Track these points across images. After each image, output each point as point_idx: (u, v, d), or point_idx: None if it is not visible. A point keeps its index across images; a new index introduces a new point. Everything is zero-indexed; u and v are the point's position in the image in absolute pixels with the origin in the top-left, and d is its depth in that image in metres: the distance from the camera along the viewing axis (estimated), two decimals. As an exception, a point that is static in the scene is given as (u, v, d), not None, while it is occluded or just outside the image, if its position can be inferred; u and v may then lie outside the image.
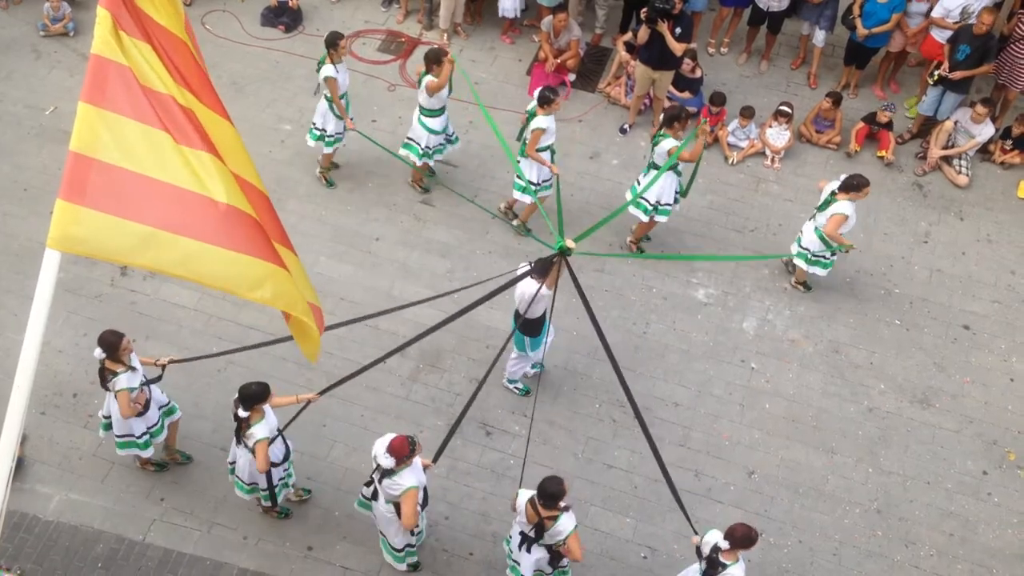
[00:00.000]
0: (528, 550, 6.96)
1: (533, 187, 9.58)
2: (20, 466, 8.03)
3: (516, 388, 9.01)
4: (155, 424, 7.72)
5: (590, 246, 9.73)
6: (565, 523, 6.69)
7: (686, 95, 11.56)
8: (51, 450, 8.34)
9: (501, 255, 9.91)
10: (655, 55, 10.80)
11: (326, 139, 10.13)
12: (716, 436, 8.92)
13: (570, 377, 9.03)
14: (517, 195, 9.87)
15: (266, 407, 7.09)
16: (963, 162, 11.22)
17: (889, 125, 11.34)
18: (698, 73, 11.54)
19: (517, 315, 8.12)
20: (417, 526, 7.19)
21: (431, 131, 9.93)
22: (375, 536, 7.99)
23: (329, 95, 9.74)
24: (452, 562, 8.01)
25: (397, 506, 6.89)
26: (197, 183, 4.24)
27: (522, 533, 6.93)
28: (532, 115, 9.34)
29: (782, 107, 11.19)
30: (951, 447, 9.01)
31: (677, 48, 10.65)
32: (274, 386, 7.17)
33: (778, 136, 11.25)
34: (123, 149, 4.11)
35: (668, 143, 9.16)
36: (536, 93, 9.38)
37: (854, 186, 9.05)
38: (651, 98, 11.48)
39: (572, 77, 11.99)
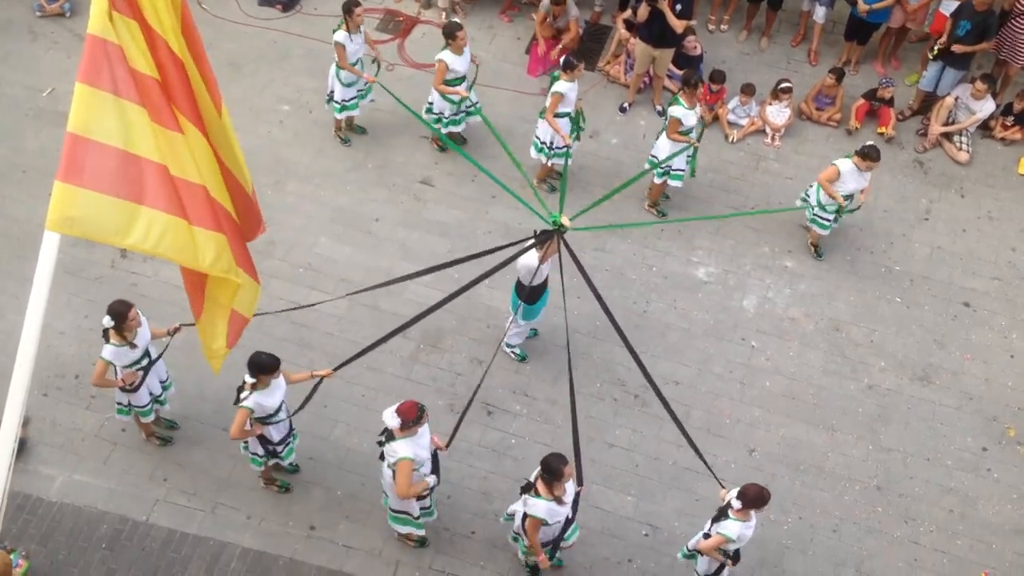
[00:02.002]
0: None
1: (547, 149, 9.90)
2: (23, 448, 8.06)
3: (513, 353, 9.08)
4: (146, 404, 7.76)
5: (591, 223, 9.74)
6: (532, 505, 6.79)
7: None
8: (54, 431, 8.37)
9: (501, 234, 9.89)
10: (655, 33, 10.74)
11: (333, 104, 10.29)
12: (717, 414, 8.94)
13: (562, 357, 9.02)
14: (534, 155, 10.16)
15: (276, 381, 7.09)
16: (964, 139, 11.19)
17: (890, 101, 11.30)
18: (698, 50, 11.48)
19: (519, 284, 8.22)
20: (424, 500, 7.32)
21: (447, 100, 10.06)
22: (377, 515, 8.05)
23: (338, 60, 9.87)
24: (454, 540, 8.05)
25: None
26: (161, 156, 4.31)
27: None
28: (555, 79, 9.48)
29: (782, 84, 11.14)
30: (951, 424, 9.04)
31: (678, 25, 10.59)
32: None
33: (778, 114, 11.21)
34: (119, 129, 4.12)
35: (676, 109, 9.31)
36: (562, 59, 9.54)
37: (864, 153, 9.14)
38: (651, 76, 11.42)
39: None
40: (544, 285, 8.30)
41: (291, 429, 7.59)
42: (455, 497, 8.26)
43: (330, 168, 10.57)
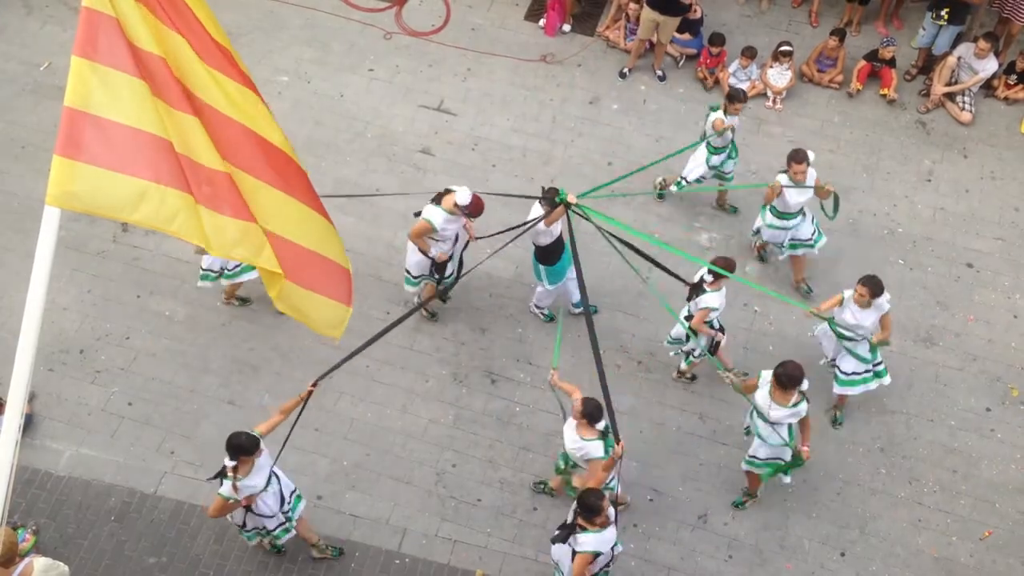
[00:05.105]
0: None
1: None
2: (29, 423, 8.10)
3: (541, 313, 9.18)
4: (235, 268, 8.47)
5: (593, 204, 9.69)
6: (582, 542, 6.45)
7: (686, 36, 11.41)
8: (60, 406, 8.40)
9: (501, 203, 9.85)
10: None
11: (682, 184, 9.71)
12: (720, 379, 8.93)
13: (573, 324, 9.03)
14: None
15: (259, 460, 6.67)
16: (966, 98, 11.11)
17: (892, 62, 11.20)
18: (698, 13, 11.38)
19: (535, 246, 8.31)
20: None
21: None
22: (384, 485, 8.11)
23: (715, 143, 9.34)
24: (460, 508, 8.10)
25: None
26: (164, 131, 4.28)
27: None
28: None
29: (783, 47, 11.05)
30: (954, 385, 9.05)
31: None
32: (280, 337, 7.12)
33: (780, 76, 11.13)
34: (116, 102, 4.09)
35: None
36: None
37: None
38: (652, 42, 11.32)
39: (568, 28, 11.84)
40: (561, 245, 8.31)
41: (284, 500, 6.99)
42: (460, 465, 8.31)
43: (330, 139, 10.52)
